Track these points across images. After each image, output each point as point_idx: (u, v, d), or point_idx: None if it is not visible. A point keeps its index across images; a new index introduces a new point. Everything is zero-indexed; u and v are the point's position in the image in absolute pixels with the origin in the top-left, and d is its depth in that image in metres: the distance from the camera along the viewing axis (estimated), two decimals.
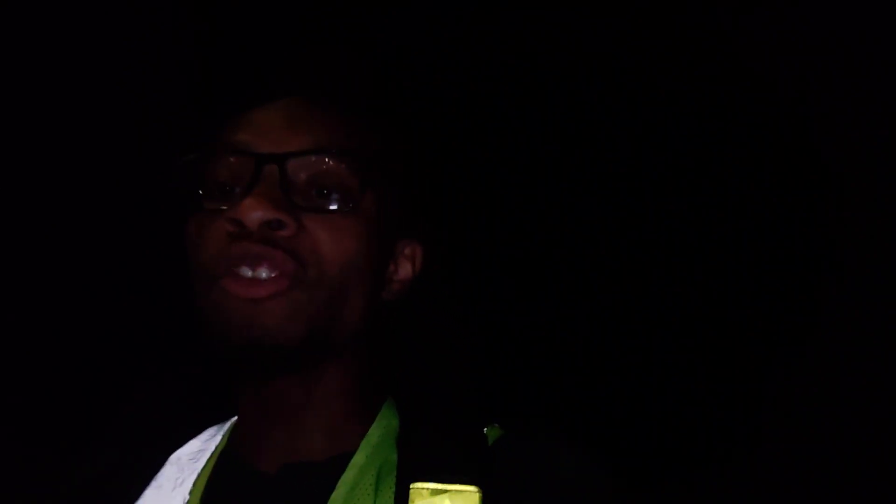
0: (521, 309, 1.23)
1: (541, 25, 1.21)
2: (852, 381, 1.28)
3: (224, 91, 0.84)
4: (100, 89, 1.17)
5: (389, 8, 1.12)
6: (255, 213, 0.68)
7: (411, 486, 0.70)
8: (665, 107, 1.28)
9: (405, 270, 0.82)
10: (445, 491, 0.69)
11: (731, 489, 1.28)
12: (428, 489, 0.69)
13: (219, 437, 0.82)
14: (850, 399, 1.26)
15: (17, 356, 1.21)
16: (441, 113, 1.13)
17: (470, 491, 0.69)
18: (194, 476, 0.78)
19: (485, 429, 0.77)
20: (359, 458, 0.75)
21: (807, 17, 1.22)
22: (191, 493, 0.77)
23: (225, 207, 0.71)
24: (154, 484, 0.79)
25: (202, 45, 1.09)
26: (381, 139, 0.78)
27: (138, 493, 0.78)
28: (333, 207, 0.72)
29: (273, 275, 0.69)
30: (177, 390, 0.98)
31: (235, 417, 0.82)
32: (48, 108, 1.19)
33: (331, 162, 0.71)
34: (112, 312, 1.20)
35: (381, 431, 0.77)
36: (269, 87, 0.79)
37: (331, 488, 0.73)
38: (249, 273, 0.69)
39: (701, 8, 1.25)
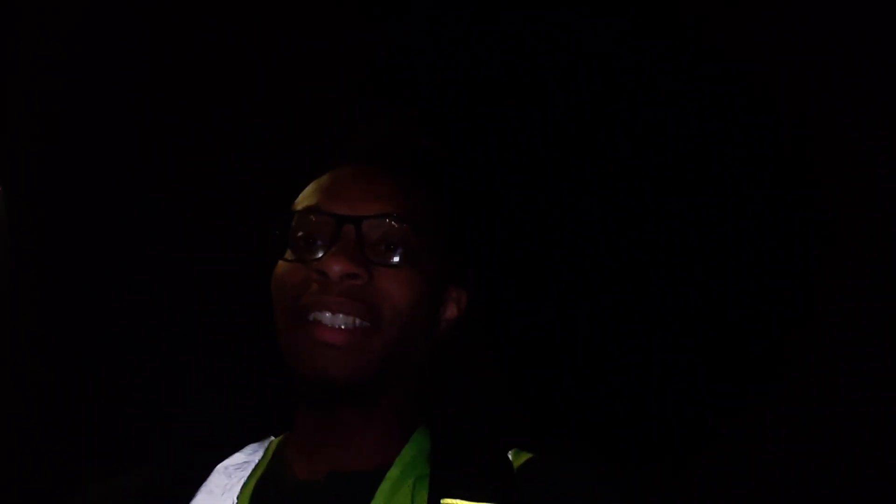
0: (547, 349, 1.31)
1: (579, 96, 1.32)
2: (851, 380, 1.28)
3: (309, 161, 0.97)
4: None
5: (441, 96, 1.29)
6: (337, 266, 0.82)
7: (442, 500, 0.79)
8: (666, 107, 1.28)
9: (451, 311, 0.94)
10: None
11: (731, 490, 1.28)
12: None
13: (261, 452, 0.93)
14: (849, 398, 1.27)
15: (78, 368, 1.32)
16: (482, 186, 1.28)
17: None
18: (241, 483, 0.88)
19: (509, 453, 0.86)
20: (394, 472, 0.84)
21: (807, 17, 1.22)
22: (238, 497, 0.86)
23: (308, 258, 0.85)
24: (204, 489, 0.88)
25: (288, 121, 1.29)
26: (433, 204, 0.93)
27: (190, 497, 0.87)
28: (397, 261, 0.86)
29: (349, 324, 0.82)
30: (224, 409, 1.12)
31: (272, 437, 0.94)
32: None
33: (395, 224, 0.86)
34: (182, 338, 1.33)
35: (413, 451, 0.87)
36: (346, 157, 0.93)
37: (370, 495, 0.82)
38: (330, 319, 0.82)
39: (701, 8, 1.25)
